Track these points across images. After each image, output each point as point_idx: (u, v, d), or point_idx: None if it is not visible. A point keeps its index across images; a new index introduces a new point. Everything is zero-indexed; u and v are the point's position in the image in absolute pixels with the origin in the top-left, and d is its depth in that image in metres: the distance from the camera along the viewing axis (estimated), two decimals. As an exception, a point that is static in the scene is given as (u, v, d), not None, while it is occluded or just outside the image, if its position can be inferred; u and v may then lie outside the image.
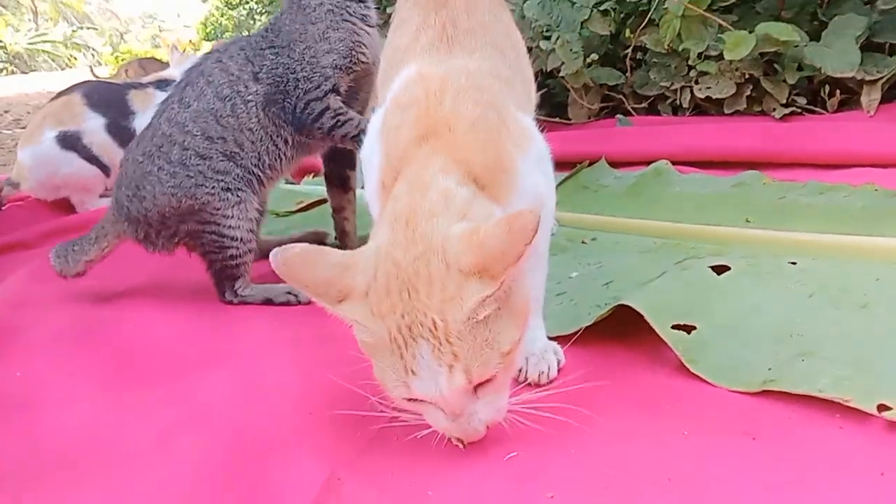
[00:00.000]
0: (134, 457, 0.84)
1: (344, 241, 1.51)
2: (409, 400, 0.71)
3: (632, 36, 2.05)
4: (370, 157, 0.85)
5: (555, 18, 1.99)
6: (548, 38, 2.02)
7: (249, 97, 1.29)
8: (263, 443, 0.83)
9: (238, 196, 1.29)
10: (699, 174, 1.65)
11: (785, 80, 1.83)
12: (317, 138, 1.34)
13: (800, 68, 1.86)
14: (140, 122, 2.03)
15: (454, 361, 0.66)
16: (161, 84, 2.13)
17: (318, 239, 1.49)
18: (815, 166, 1.63)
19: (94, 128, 2.04)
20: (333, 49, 1.30)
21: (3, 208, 2.05)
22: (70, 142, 2.02)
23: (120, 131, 2.05)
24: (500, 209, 0.77)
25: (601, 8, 2.03)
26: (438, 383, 0.67)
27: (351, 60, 1.32)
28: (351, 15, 1.34)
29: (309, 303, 1.19)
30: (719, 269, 1.09)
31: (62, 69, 17.57)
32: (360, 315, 0.69)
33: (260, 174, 1.32)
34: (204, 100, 1.29)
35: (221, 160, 1.28)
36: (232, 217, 1.28)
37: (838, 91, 1.84)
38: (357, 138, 1.29)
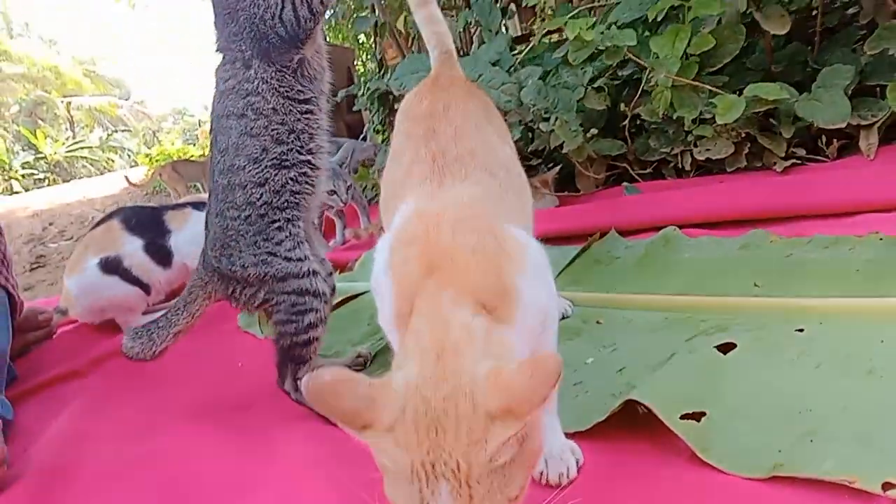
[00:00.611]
0: None
1: None
2: None
3: (627, 108, 2.13)
4: (380, 289, 0.93)
5: (551, 101, 2.08)
6: (547, 120, 2.12)
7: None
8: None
9: (298, 232, 1.37)
10: (707, 237, 1.69)
11: (781, 134, 1.89)
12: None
13: (796, 119, 1.91)
14: (176, 240, 2.16)
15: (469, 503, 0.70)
16: (199, 206, 2.26)
17: (362, 360, 1.53)
18: (820, 216, 1.66)
19: (132, 251, 2.16)
20: None
21: (54, 336, 2.18)
22: (111, 266, 2.14)
23: (158, 250, 2.18)
24: (509, 329, 0.83)
25: (595, 85, 2.12)
26: None
27: None
28: None
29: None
30: (726, 348, 1.13)
31: (101, 173, 18.39)
32: (384, 444, 0.73)
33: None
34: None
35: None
36: (307, 260, 1.35)
37: (835, 139, 1.88)
38: None
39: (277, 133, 1.33)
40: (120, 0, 10.16)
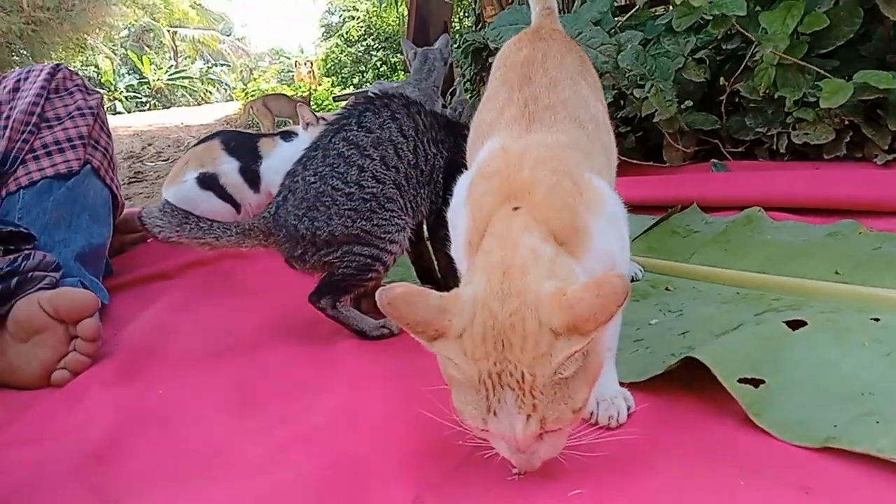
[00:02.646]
0: (246, 469, 0.98)
1: (431, 276, 1.60)
2: (482, 429, 0.80)
3: (727, 83, 2.07)
4: (457, 220, 0.97)
5: (649, 68, 2.05)
6: (641, 87, 2.08)
7: (432, 151, 1.43)
8: (358, 464, 0.95)
9: (403, 222, 1.38)
10: (793, 222, 1.66)
11: (887, 126, 1.80)
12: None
13: (905, 114, 1.82)
14: (265, 167, 2.27)
15: (533, 412, 0.75)
16: (286, 135, 2.36)
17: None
18: (918, 215, 1.60)
19: (229, 170, 2.28)
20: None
21: (147, 241, 2.33)
22: (208, 182, 2.26)
23: (250, 174, 2.29)
24: (577, 264, 0.86)
25: (696, 56, 2.07)
26: (514, 427, 0.76)
27: None
28: None
29: (400, 332, 1.32)
30: (796, 325, 1.12)
31: (198, 103, 19.09)
32: (454, 353, 0.78)
33: (412, 212, 1.41)
34: (387, 131, 1.38)
35: (392, 189, 1.37)
36: (395, 244, 1.37)
37: (946, 138, 1.79)
38: None
39: (410, 176, 1.39)
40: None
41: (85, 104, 1.96)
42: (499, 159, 0.93)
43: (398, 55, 13.44)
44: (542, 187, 0.88)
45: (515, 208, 0.86)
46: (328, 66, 15.71)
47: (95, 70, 19.11)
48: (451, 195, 1.03)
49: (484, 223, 0.88)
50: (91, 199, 1.83)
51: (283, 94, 8.34)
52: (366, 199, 1.34)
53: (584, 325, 0.73)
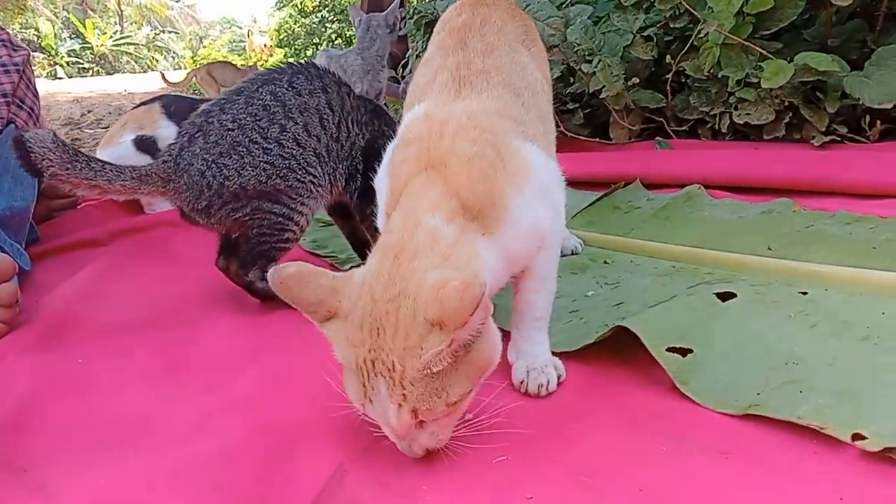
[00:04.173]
0: (171, 436, 0.95)
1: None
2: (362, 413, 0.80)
3: (673, 61, 2.09)
4: (380, 187, 0.94)
5: (597, 43, 2.04)
6: (590, 62, 2.08)
7: (354, 131, 1.40)
8: (283, 433, 0.93)
9: (318, 191, 1.35)
10: (730, 199, 1.68)
11: (825, 109, 1.84)
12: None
13: (843, 96, 1.86)
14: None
15: (403, 402, 0.74)
16: None
17: None
18: (850, 196, 1.64)
19: (167, 135, 2.19)
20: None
21: (78, 206, 2.23)
22: (146, 145, 2.18)
23: (190, 140, 2.21)
24: (491, 240, 0.84)
25: (644, 34, 2.07)
26: (388, 415, 0.75)
27: None
28: None
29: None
30: (725, 296, 1.13)
31: (144, 71, 18.45)
32: (338, 337, 0.78)
33: (329, 185, 1.38)
34: (315, 99, 1.35)
35: (311, 155, 1.33)
36: (307, 207, 1.33)
37: (879, 121, 1.84)
38: None
39: (331, 149, 1.37)
40: None
41: (10, 60, 1.85)
42: (420, 126, 0.90)
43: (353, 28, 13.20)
44: (459, 158, 0.85)
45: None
46: (281, 37, 15.35)
47: (35, 33, 18.27)
48: (370, 178, 1.00)
49: (400, 193, 0.86)
50: (13, 160, 1.73)
51: (230, 63, 8.10)
52: (284, 157, 1.30)
53: (448, 323, 0.71)
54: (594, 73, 2.05)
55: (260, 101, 1.31)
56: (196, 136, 1.31)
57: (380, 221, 0.94)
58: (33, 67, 2.01)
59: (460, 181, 0.83)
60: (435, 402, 0.74)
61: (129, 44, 20.61)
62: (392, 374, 0.73)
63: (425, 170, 0.85)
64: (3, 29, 1.93)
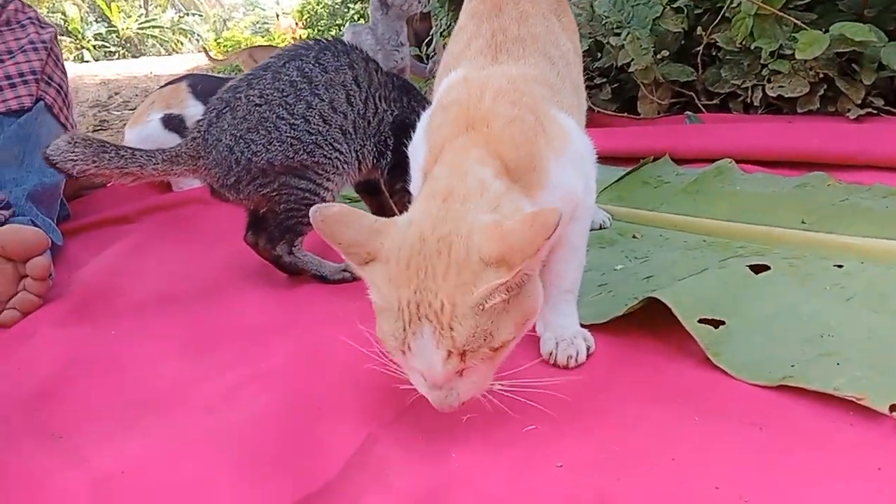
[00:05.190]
0: (202, 406, 0.96)
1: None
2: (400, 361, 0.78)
3: (704, 33, 2.04)
4: (416, 153, 0.94)
5: (626, 15, 2.01)
6: (618, 35, 2.04)
7: (382, 107, 1.39)
8: (313, 403, 0.93)
9: (344, 168, 1.34)
10: (763, 173, 1.65)
11: (861, 81, 1.79)
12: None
13: (880, 67, 1.81)
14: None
15: (451, 347, 0.71)
16: None
17: (349, 276, 1.44)
18: (886, 169, 1.60)
19: (195, 114, 2.20)
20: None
21: (108, 184, 2.25)
22: (173, 123, 2.19)
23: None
24: (530, 203, 0.83)
25: (674, 5, 2.03)
26: (431, 362, 0.73)
27: None
28: None
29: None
30: (758, 269, 1.11)
31: (169, 54, 18.56)
32: (378, 279, 0.75)
33: (356, 162, 1.37)
34: (342, 75, 1.34)
35: (337, 132, 1.32)
36: (333, 183, 1.32)
37: (918, 93, 1.78)
38: None
39: (358, 126, 1.35)
40: None
41: (38, 38, 1.87)
42: (459, 89, 0.89)
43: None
44: (501, 119, 0.85)
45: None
46: (304, 18, 15.31)
47: (63, 17, 18.45)
48: (400, 153, 0.98)
49: (439, 153, 0.85)
50: (44, 137, 1.74)
51: (272, 46, 8.15)
52: (311, 133, 1.29)
53: (512, 257, 0.70)
54: (623, 46, 2.02)
55: (287, 77, 1.31)
56: (224, 111, 1.31)
57: (415, 186, 0.94)
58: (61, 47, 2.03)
59: (502, 142, 0.82)
60: (480, 345, 0.72)
61: (154, 27, 20.73)
62: (439, 315, 0.71)
63: (466, 131, 0.84)
64: (31, 7, 1.95)
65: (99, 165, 1.23)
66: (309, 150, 1.30)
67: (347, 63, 1.36)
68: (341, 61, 1.36)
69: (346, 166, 1.35)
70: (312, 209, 0.76)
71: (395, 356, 0.77)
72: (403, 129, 1.31)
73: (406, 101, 1.44)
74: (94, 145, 1.24)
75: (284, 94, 1.30)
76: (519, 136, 0.84)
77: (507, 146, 0.83)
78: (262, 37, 15.47)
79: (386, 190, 1.51)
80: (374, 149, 1.40)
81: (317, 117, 1.30)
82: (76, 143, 1.23)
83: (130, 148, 1.29)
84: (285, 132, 1.28)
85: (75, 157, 1.22)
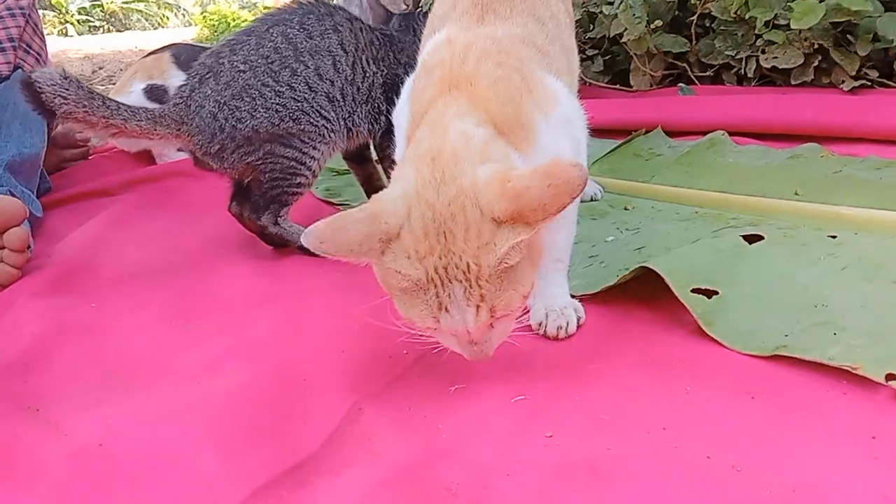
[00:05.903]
0: (184, 377, 0.94)
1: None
2: (433, 328, 0.76)
3: (698, 3, 2.00)
4: (400, 119, 0.91)
5: (619, -17, 1.97)
6: (611, 4, 2.00)
7: (371, 69, 1.35)
8: (298, 373, 0.91)
9: (331, 136, 1.31)
10: (755, 146, 1.63)
11: (856, 52, 1.76)
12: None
13: (875, 39, 1.78)
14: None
15: (481, 302, 0.71)
16: None
17: None
18: (881, 142, 1.58)
19: (177, 84, 2.16)
20: None
21: (90, 157, 2.21)
22: (156, 94, 2.15)
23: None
24: (521, 157, 0.80)
25: (668, -27, 1.99)
26: (466, 320, 0.72)
27: None
28: None
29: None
30: (752, 239, 1.09)
31: (154, 28, 18.26)
32: (398, 261, 0.72)
33: (344, 130, 1.34)
34: (327, 41, 1.30)
35: (324, 99, 1.29)
36: (319, 151, 1.29)
37: (913, 64, 1.76)
38: None
39: (346, 93, 1.32)
40: None
41: (15, 4, 1.81)
42: (442, 50, 0.86)
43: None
44: (485, 80, 0.82)
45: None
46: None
47: (45, -9, 18.11)
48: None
49: (422, 117, 0.82)
50: (23, 106, 1.66)
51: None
52: (297, 100, 1.26)
53: (531, 216, 0.69)
54: (615, 15, 1.98)
55: (271, 44, 1.28)
56: (207, 77, 1.28)
57: (399, 153, 0.91)
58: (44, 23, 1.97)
59: (487, 99, 0.80)
60: (511, 296, 0.73)
61: (138, 1, 20.38)
62: (468, 275, 0.70)
63: (448, 91, 0.81)
64: (8, -27, 1.88)
65: (87, 110, 1.19)
66: (295, 117, 1.26)
67: (332, 26, 1.32)
68: (325, 24, 1.32)
69: (333, 134, 1.31)
70: (304, 237, 0.73)
71: (425, 328, 0.76)
72: (394, 89, 1.28)
73: (392, 56, 1.40)
74: (84, 89, 1.20)
75: (269, 60, 1.26)
76: (504, 96, 0.81)
77: (491, 104, 0.80)
78: (250, 11, 15.23)
79: (377, 152, 1.49)
80: (368, 115, 1.37)
81: (302, 84, 1.27)
82: (70, 81, 1.18)
83: (117, 101, 1.26)
84: (270, 99, 1.25)
85: (66, 96, 1.17)
